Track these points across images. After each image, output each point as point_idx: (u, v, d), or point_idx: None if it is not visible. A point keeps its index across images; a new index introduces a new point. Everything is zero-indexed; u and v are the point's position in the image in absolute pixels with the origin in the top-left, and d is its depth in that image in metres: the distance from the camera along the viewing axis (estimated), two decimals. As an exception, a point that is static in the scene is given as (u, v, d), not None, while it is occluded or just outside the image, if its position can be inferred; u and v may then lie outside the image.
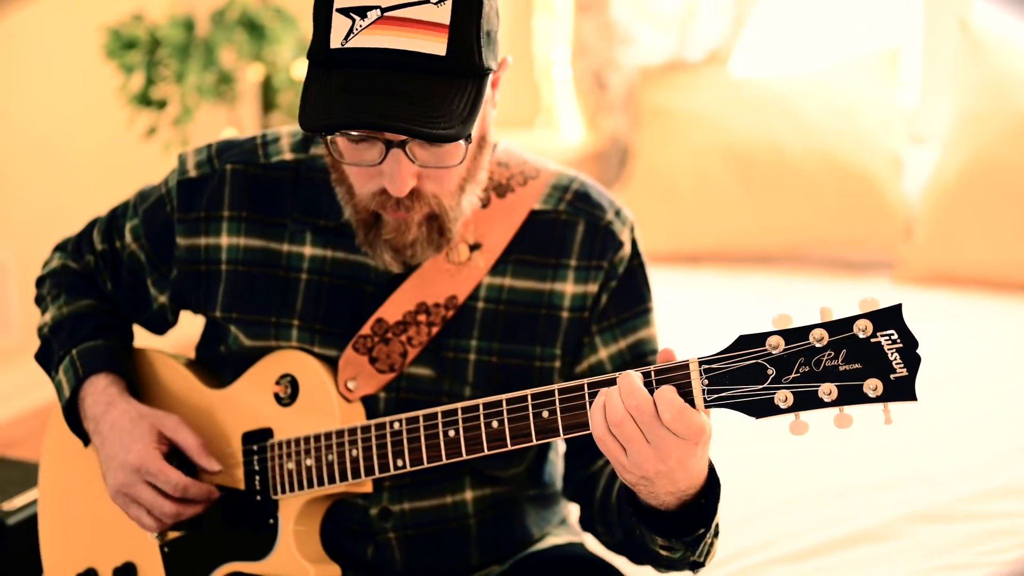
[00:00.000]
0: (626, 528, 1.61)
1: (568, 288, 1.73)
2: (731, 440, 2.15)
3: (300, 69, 3.81)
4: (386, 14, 1.48)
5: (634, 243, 1.77)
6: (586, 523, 1.79)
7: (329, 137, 1.55)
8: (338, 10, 1.49)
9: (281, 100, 3.88)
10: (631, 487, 1.50)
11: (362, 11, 1.48)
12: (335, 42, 1.49)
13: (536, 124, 4.06)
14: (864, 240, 3.51)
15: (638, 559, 1.70)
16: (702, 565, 1.59)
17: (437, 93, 1.48)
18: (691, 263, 3.59)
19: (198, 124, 3.70)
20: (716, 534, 1.57)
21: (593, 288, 1.73)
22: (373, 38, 1.48)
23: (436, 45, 1.48)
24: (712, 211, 3.59)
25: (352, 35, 1.48)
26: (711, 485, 1.50)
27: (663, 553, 1.55)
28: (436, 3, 1.48)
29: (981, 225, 3.29)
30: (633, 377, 1.43)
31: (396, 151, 1.53)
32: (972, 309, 3.17)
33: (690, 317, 3.08)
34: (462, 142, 1.53)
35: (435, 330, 1.70)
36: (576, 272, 1.73)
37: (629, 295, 1.75)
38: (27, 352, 4.00)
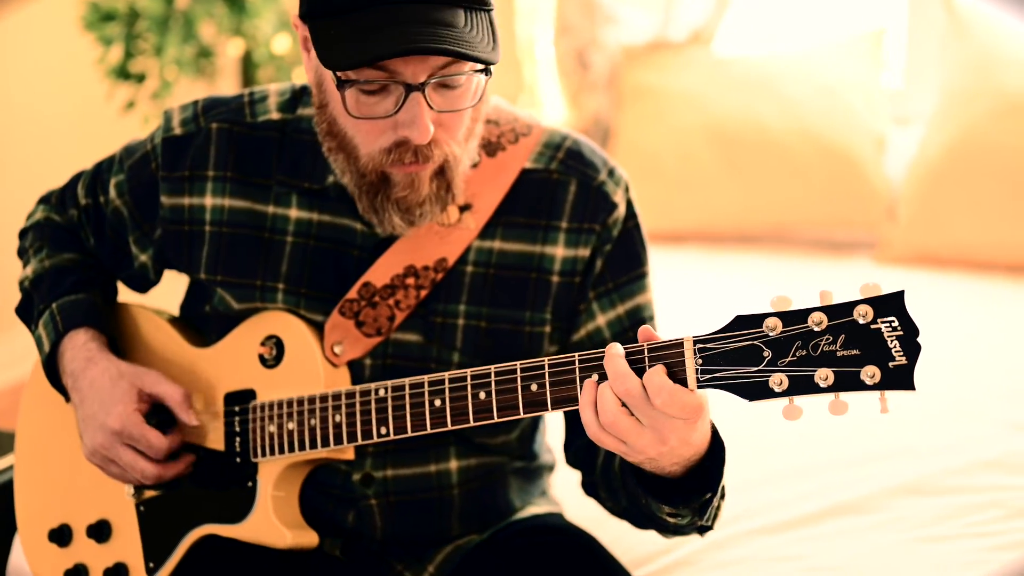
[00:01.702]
0: (631, 496, 1.58)
1: (558, 251, 1.70)
2: (716, 412, 2.13)
3: (280, 44, 3.77)
4: None
5: (629, 204, 1.73)
6: (588, 488, 1.77)
7: (344, 91, 1.51)
8: None
9: (261, 75, 3.84)
10: (637, 465, 1.48)
11: None
12: None
13: (518, 103, 4.03)
14: (847, 220, 3.50)
15: (643, 525, 1.67)
16: (710, 528, 1.58)
17: (464, 22, 1.48)
18: (674, 243, 3.57)
19: (177, 98, 3.64)
20: (723, 496, 1.55)
21: (584, 252, 1.70)
22: None
23: None
24: (695, 191, 3.57)
25: None
26: (715, 448, 1.48)
27: (670, 520, 1.53)
28: None
29: (964, 205, 3.29)
30: (620, 362, 1.39)
31: (415, 95, 1.50)
32: (954, 289, 3.16)
33: (673, 297, 3.06)
34: (481, 77, 1.53)
35: (423, 293, 1.68)
36: (567, 235, 1.70)
37: (626, 259, 1.72)
38: (3, 330, 3.98)
